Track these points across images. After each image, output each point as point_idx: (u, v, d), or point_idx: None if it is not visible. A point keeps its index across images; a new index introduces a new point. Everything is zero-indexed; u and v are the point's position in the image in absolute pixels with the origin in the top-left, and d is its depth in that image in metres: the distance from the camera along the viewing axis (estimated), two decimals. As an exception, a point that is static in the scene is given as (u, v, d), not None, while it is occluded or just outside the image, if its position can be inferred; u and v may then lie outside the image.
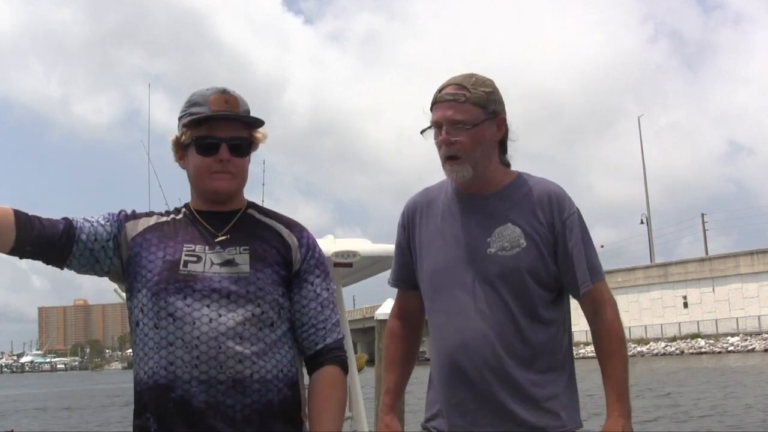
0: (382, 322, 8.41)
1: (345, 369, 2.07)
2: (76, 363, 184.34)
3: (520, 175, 2.36)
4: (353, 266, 4.67)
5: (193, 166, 2.06)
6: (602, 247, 78.14)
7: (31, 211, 1.98)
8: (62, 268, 2.04)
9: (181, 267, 1.98)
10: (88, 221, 2.04)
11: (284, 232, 2.09)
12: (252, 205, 2.15)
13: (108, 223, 2.05)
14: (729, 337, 50.99)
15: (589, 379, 4.80)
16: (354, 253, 4.53)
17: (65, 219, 2.03)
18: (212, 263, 1.99)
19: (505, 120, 2.32)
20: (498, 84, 2.32)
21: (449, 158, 2.27)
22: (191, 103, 2.07)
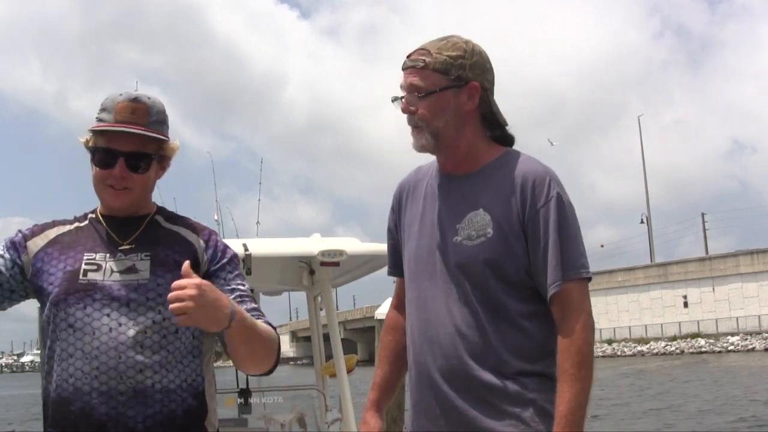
0: (382, 321, 8.34)
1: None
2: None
3: (506, 153, 2.11)
4: (340, 265, 4.63)
5: (92, 175, 2.00)
6: (602, 246, 78.36)
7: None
8: None
9: (80, 276, 1.93)
10: None
11: (190, 236, 2.04)
12: (160, 210, 2.10)
13: (6, 251, 2.00)
14: (729, 337, 50.97)
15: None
16: (340, 252, 4.49)
17: None
18: (112, 271, 1.94)
19: (478, 88, 2.06)
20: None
21: (412, 127, 2.10)
22: (101, 108, 1.99)
